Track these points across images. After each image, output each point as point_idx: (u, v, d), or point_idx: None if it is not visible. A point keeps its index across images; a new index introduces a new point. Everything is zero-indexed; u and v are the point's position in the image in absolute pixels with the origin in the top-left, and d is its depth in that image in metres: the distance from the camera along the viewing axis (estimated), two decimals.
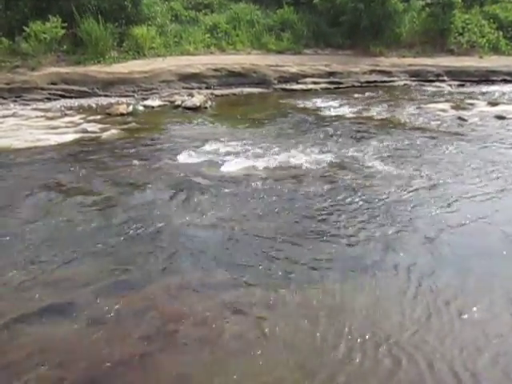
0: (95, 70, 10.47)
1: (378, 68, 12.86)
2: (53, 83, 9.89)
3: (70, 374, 2.66)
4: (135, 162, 6.04)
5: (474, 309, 3.24)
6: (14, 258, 3.77)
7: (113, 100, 9.81)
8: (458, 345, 2.90)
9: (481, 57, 14.44)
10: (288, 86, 11.65)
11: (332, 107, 9.56)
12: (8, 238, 4.08)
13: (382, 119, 8.62)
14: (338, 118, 8.67)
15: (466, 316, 3.17)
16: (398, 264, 3.77)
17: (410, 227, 4.38)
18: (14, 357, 2.78)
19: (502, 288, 3.50)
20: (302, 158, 6.17)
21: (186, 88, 10.76)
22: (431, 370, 2.69)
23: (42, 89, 9.70)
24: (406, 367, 2.71)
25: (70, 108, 9.17)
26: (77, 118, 8.37)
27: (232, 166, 5.86)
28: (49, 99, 9.57)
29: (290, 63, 12.28)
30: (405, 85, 12.43)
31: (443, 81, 12.82)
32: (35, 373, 2.65)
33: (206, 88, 10.97)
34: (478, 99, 10.58)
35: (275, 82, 11.71)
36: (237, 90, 11.12)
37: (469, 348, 2.87)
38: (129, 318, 3.11)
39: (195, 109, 9.25)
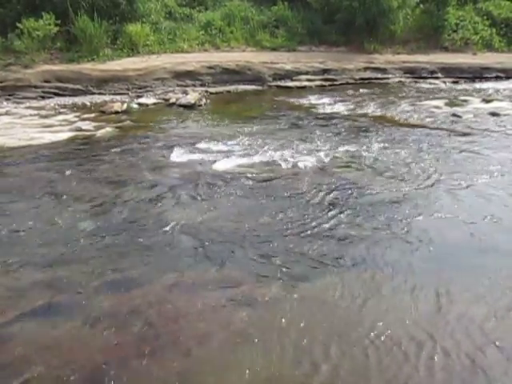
0: (89, 67, 10.45)
1: (372, 65, 12.89)
2: (46, 81, 9.85)
3: (68, 373, 2.65)
4: (130, 160, 6.04)
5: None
6: (8, 258, 3.75)
7: (107, 98, 9.78)
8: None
9: (474, 54, 14.51)
10: (282, 83, 11.65)
11: (326, 104, 9.58)
12: (2, 238, 4.07)
13: (376, 116, 8.65)
14: (333, 115, 8.69)
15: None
16: (396, 261, 3.79)
17: (406, 224, 4.40)
18: (12, 356, 2.77)
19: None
20: (296, 155, 6.18)
21: (181, 85, 10.75)
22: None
23: (36, 87, 9.66)
24: (409, 361, 2.73)
25: (64, 106, 9.14)
26: (71, 116, 8.34)
27: (227, 164, 5.86)
28: (42, 97, 9.54)
29: (285, 60, 12.28)
30: (399, 82, 12.46)
31: (437, 78, 12.86)
32: (33, 372, 2.64)
33: (201, 85, 10.96)
34: (471, 96, 10.62)
35: (270, 79, 11.72)
36: (231, 88, 11.11)
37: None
38: (127, 317, 3.10)
39: (190, 106, 9.23)
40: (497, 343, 2.89)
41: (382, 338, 2.91)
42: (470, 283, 3.53)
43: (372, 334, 2.95)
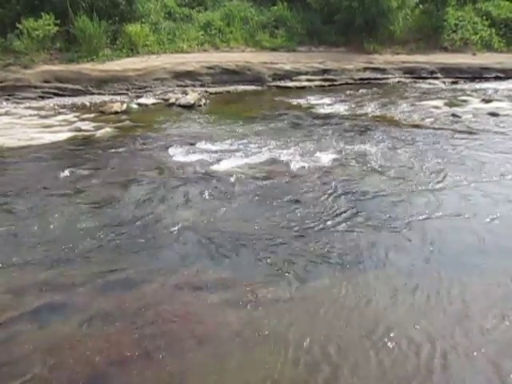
0: (89, 67, 10.44)
1: (371, 65, 12.88)
2: (46, 81, 9.85)
3: (68, 373, 2.66)
4: (129, 160, 6.03)
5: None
6: (8, 257, 3.76)
7: (107, 98, 9.78)
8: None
9: (474, 54, 14.51)
10: (282, 84, 11.65)
11: (326, 104, 9.58)
12: (2, 238, 4.07)
13: (376, 116, 8.65)
14: (332, 115, 8.69)
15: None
16: (401, 262, 3.79)
17: (406, 223, 4.39)
18: (12, 356, 2.78)
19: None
20: (296, 155, 6.18)
21: (180, 86, 10.75)
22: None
23: (35, 87, 9.66)
24: (415, 364, 2.74)
25: (64, 106, 9.14)
26: (70, 117, 8.34)
27: (227, 164, 5.86)
28: (42, 97, 9.54)
29: (284, 60, 12.28)
30: (399, 82, 12.46)
31: (437, 78, 12.86)
32: (32, 373, 2.64)
33: (200, 86, 10.96)
34: (471, 96, 10.62)
35: (269, 79, 11.72)
36: (231, 88, 11.11)
37: None
38: (126, 318, 3.11)
39: (189, 107, 9.23)
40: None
41: (387, 340, 2.91)
42: (479, 284, 3.52)
43: (374, 334, 2.95)
